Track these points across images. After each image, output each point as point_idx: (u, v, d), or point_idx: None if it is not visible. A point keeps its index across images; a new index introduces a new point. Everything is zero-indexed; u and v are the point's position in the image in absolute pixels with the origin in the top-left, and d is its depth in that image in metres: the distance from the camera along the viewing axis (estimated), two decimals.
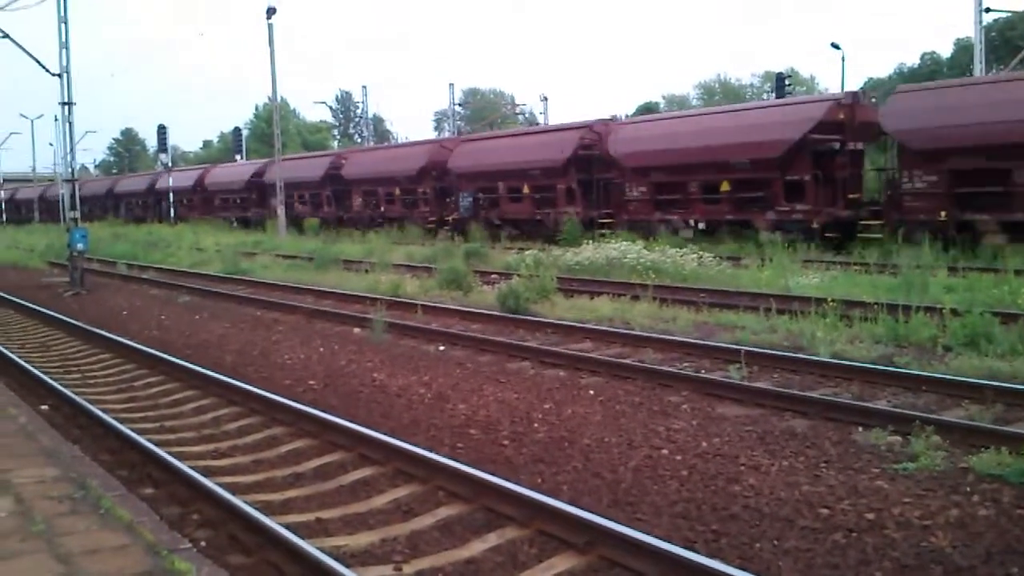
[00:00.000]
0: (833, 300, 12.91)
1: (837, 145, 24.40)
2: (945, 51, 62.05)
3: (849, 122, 24.19)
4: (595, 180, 30.82)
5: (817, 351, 10.71)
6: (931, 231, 20.99)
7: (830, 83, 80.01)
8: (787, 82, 45.25)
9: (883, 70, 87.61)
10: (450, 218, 36.45)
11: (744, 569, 4.85)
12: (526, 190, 33.09)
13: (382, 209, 40.37)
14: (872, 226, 23.53)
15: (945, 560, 5.11)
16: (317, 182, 44.21)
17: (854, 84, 63.11)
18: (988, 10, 34.48)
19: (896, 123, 22.88)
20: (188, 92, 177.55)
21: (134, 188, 65.99)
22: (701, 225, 26.97)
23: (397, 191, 39.58)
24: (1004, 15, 46.36)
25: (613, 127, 31.26)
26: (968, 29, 53.74)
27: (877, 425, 7.62)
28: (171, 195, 55.70)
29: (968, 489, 6.22)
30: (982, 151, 20.62)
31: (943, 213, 21.32)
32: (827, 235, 23.60)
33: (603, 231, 27.99)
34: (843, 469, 6.74)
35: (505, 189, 33.85)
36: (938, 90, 23.87)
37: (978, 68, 33.82)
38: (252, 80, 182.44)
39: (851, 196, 24.57)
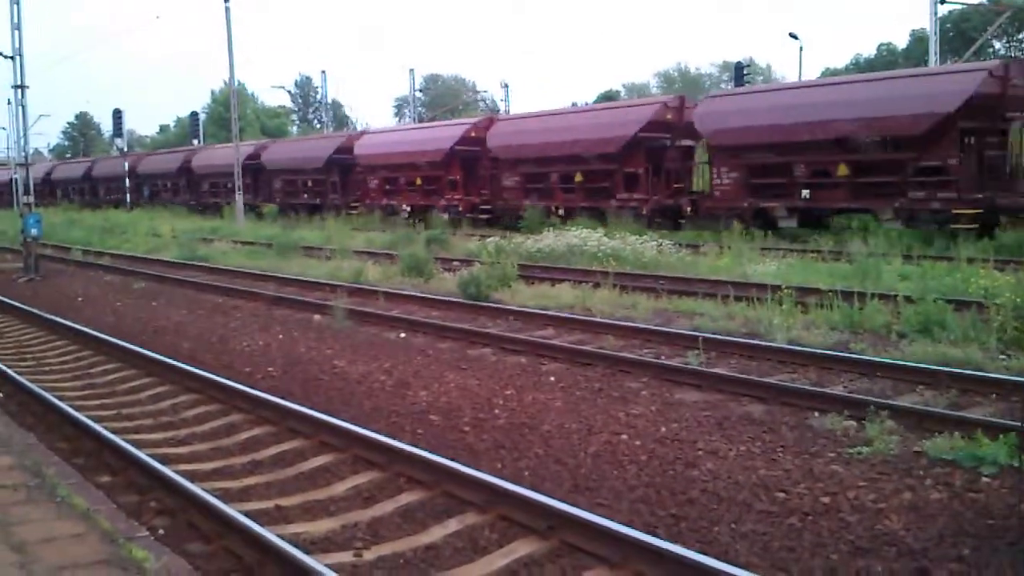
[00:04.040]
0: (789, 287, 13.02)
1: (668, 142, 27.97)
2: (901, 42, 63.07)
3: (677, 122, 27.63)
4: (477, 170, 34.06)
5: (774, 337, 10.83)
6: (736, 217, 24.09)
7: (788, 72, 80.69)
8: (745, 71, 45.48)
9: (840, 60, 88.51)
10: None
11: (704, 553, 4.91)
12: (418, 181, 35.86)
13: (303, 195, 43.12)
14: (688, 212, 27.19)
15: (898, 542, 5.22)
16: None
17: (812, 73, 63.74)
18: (943, 2, 35.06)
19: (704, 124, 26.21)
20: (145, 76, 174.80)
21: (71, 175, 66.80)
22: (561, 211, 29.45)
23: (309, 182, 42.58)
24: (959, 7, 47.10)
25: (494, 122, 34.64)
26: (924, 20, 54.55)
27: (833, 410, 7.73)
28: (126, 180, 55.24)
29: (921, 473, 6.34)
30: (769, 148, 24.21)
31: (747, 203, 24.72)
32: (657, 220, 26.95)
33: (482, 215, 32.71)
34: (799, 453, 6.84)
35: (405, 180, 36.66)
36: (737, 96, 28.38)
37: (933, 59, 34.36)
38: (211, 64, 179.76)
39: (676, 186, 28.17)
